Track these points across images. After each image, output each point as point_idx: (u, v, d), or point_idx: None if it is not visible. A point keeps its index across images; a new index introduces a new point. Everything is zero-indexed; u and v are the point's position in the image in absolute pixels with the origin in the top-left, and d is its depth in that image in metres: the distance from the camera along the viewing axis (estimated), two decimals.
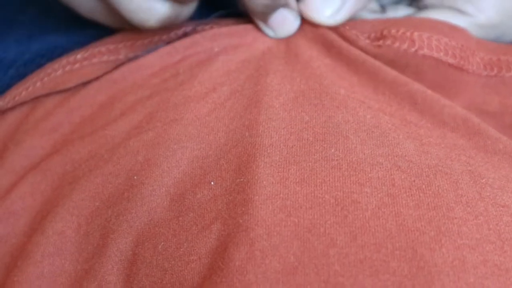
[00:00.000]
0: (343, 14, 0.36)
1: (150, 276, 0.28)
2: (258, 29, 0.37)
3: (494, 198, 0.28)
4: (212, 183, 0.30)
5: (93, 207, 0.31)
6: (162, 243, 0.29)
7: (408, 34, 0.35)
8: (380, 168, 0.29)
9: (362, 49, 0.36)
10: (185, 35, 0.37)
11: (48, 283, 0.30)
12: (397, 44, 0.35)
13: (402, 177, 0.28)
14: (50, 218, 0.31)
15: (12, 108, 0.36)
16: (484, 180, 0.29)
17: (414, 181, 0.28)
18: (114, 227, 0.30)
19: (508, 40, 0.39)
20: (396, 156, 0.29)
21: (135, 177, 0.31)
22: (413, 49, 0.34)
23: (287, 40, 0.37)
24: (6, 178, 0.33)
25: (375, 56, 0.35)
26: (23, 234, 0.32)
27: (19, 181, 0.33)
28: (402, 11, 0.39)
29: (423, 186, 0.28)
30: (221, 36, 0.36)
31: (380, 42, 0.35)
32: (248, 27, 0.37)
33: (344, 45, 0.35)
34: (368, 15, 0.39)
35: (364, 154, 0.29)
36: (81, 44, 0.38)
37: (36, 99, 0.36)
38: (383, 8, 0.40)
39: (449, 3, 0.38)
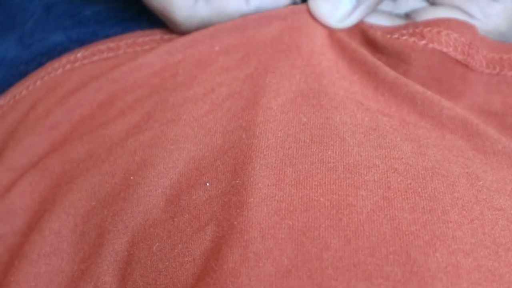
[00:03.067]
0: (354, 19, 0.36)
1: (144, 277, 0.28)
2: (261, 19, 0.36)
3: (490, 201, 0.28)
4: (207, 184, 0.30)
5: (90, 207, 0.31)
6: (157, 243, 0.29)
7: (418, 29, 0.35)
8: (376, 170, 0.29)
9: (371, 39, 0.35)
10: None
11: (45, 283, 0.30)
12: (405, 37, 0.34)
13: (398, 179, 0.28)
14: (47, 218, 0.31)
15: (13, 106, 0.37)
16: (481, 182, 0.29)
17: (410, 183, 0.28)
18: (110, 227, 0.30)
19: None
20: (393, 159, 0.29)
21: (131, 177, 0.31)
22: (422, 43, 0.34)
23: (291, 30, 0.36)
24: (5, 176, 0.34)
25: (383, 48, 0.35)
26: (21, 233, 0.32)
27: (18, 180, 0.33)
28: (413, 1, 0.39)
29: (419, 189, 0.28)
30: (221, 32, 0.35)
31: (389, 35, 0.35)
32: (250, 18, 0.36)
33: (350, 44, 0.35)
34: (380, 6, 0.38)
35: (360, 156, 0.29)
36: (82, 42, 0.38)
37: (36, 98, 0.36)
38: None
39: (458, 2, 0.37)
